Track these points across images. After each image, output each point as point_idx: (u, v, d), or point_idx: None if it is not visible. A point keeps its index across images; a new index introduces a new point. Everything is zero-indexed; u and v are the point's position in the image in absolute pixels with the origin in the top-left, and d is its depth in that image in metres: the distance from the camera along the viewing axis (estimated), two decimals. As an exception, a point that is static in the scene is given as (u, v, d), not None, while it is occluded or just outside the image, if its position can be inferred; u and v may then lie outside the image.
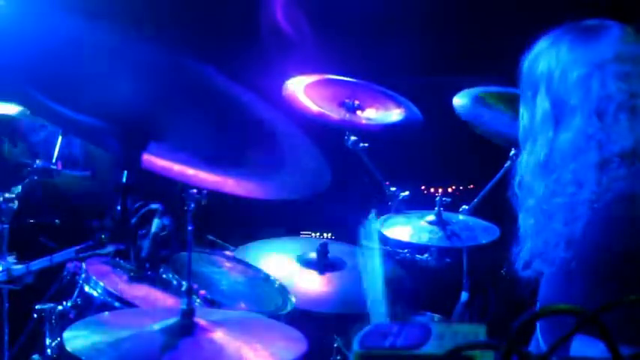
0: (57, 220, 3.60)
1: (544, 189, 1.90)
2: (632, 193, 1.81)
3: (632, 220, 1.78)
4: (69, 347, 1.99)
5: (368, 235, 2.24)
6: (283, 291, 2.77)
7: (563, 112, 1.89)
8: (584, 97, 1.86)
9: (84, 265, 2.57)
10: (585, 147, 1.84)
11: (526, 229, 1.94)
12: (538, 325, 1.93)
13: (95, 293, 2.49)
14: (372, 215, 2.22)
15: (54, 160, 2.99)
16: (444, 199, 3.17)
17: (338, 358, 2.92)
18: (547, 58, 1.93)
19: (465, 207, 3.31)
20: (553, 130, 1.90)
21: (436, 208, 3.15)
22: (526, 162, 1.97)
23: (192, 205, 2.09)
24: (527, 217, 1.94)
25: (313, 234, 4.21)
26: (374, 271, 2.17)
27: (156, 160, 1.91)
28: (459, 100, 3.27)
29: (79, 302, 2.51)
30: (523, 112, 2.00)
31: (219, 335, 2.03)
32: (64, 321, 2.46)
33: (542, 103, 1.92)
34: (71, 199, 3.59)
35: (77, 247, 1.85)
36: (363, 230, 2.28)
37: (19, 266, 1.99)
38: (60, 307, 2.50)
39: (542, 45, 1.97)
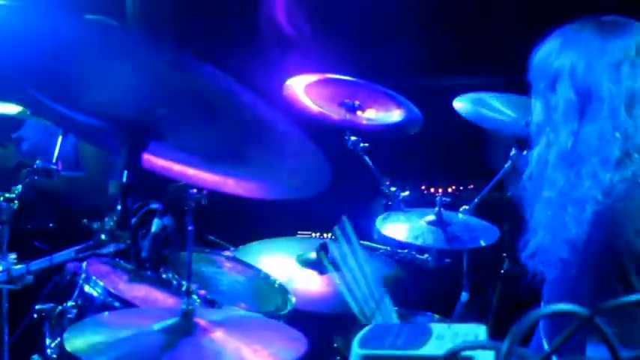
0: (51, 224, 3.61)
1: (565, 181, 1.88)
2: (635, 193, 1.80)
3: (636, 220, 1.77)
4: (69, 347, 1.99)
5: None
6: (283, 291, 2.77)
7: (589, 102, 1.87)
8: (613, 88, 1.84)
9: (84, 265, 2.57)
10: (611, 138, 1.83)
11: (539, 220, 1.92)
12: (542, 326, 1.93)
13: (95, 293, 2.49)
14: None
15: (54, 160, 2.99)
16: (443, 199, 3.17)
17: (338, 358, 2.92)
18: (566, 50, 1.90)
19: (465, 207, 3.30)
20: (578, 121, 1.87)
21: (436, 208, 3.15)
22: (540, 154, 1.94)
23: (192, 205, 2.09)
24: (543, 209, 1.91)
25: (313, 234, 4.21)
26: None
27: (156, 160, 1.91)
28: (459, 104, 3.27)
29: (79, 302, 2.51)
30: (536, 105, 1.98)
31: (219, 335, 2.03)
32: (64, 321, 2.46)
33: (566, 94, 1.88)
34: (66, 200, 3.60)
35: (77, 247, 1.85)
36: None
37: (19, 266, 1.99)
38: (60, 307, 2.50)
39: (557, 39, 1.94)
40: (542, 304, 1.99)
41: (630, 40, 1.87)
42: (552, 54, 1.93)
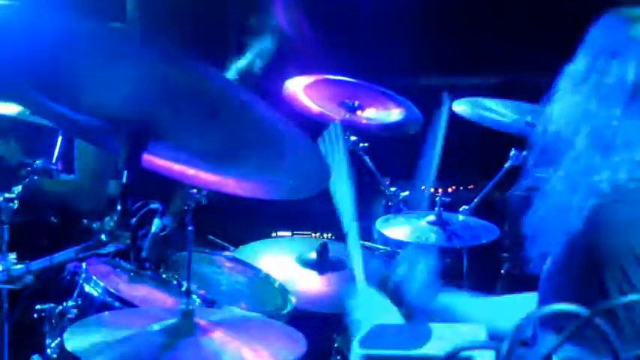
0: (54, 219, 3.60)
1: (586, 161, 1.80)
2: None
3: (629, 220, 1.76)
4: (69, 347, 1.99)
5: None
6: (283, 291, 2.77)
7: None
8: None
9: (84, 265, 2.57)
10: None
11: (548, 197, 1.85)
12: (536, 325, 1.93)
13: (95, 293, 2.49)
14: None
15: (54, 160, 2.99)
16: (443, 199, 3.17)
17: (338, 358, 2.92)
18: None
19: (465, 207, 3.31)
20: (622, 108, 1.75)
21: (436, 208, 3.15)
22: (560, 112, 1.82)
23: (192, 205, 2.09)
24: (553, 184, 1.82)
25: (313, 234, 4.20)
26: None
27: (156, 160, 1.91)
28: (459, 107, 3.28)
29: (79, 302, 2.51)
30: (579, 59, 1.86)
31: (219, 335, 2.03)
32: (64, 321, 2.46)
33: (626, 72, 1.74)
34: (69, 201, 3.59)
35: (77, 247, 1.85)
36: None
37: (19, 266, 1.99)
38: (60, 307, 2.50)
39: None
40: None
41: None
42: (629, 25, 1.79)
